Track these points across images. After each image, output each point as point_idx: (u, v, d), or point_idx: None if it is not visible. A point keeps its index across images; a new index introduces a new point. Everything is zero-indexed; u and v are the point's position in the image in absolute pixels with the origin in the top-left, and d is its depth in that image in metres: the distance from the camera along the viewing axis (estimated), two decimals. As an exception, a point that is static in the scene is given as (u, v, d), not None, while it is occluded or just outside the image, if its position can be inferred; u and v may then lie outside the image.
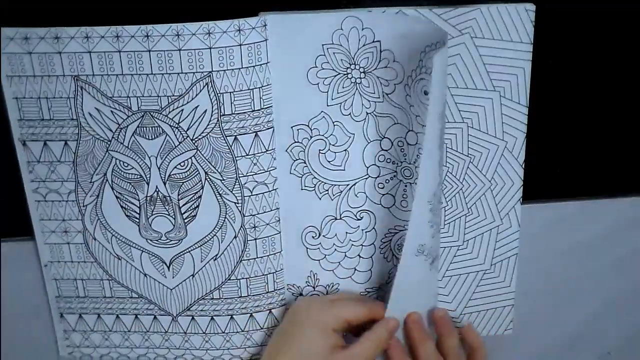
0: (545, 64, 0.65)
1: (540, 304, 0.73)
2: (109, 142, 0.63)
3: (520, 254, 0.69)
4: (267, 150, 0.63)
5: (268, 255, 0.66)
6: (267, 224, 0.65)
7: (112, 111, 0.62)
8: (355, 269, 0.68)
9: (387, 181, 0.65)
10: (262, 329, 0.68)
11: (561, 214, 0.70)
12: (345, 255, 0.67)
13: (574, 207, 0.70)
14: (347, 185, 0.65)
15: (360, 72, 0.62)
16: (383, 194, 0.66)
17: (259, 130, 0.62)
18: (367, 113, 0.63)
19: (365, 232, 0.67)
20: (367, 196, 0.66)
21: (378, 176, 0.65)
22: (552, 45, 0.64)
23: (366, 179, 0.65)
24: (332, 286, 0.68)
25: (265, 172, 0.64)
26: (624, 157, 0.69)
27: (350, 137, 0.64)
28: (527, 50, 0.62)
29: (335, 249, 0.67)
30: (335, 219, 0.66)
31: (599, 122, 0.68)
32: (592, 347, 0.75)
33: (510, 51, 0.62)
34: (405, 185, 0.65)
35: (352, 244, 0.67)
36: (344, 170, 0.65)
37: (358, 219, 0.66)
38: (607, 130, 0.68)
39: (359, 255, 0.67)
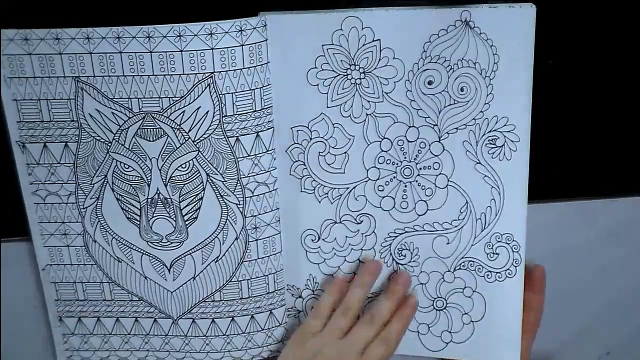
0: (546, 64, 0.65)
1: (541, 304, 0.73)
2: (109, 144, 0.62)
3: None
4: (267, 151, 0.63)
5: (269, 256, 0.66)
6: (268, 225, 0.65)
7: (112, 112, 0.61)
8: (355, 274, 0.68)
9: (387, 183, 0.65)
10: (263, 330, 0.68)
11: (561, 214, 0.70)
12: (345, 260, 0.67)
13: (574, 207, 0.70)
14: (347, 188, 0.65)
15: (360, 73, 0.62)
16: (383, 197, 0.65)
17: (260, 131, 0.62)
18: (367, 114, 0.63)
19: (365, 235, 0.66)
20: (367, 199, 0.65)
21: (378, 178, 0.65)
22: (552, 45, 0.65)
23: (366, 181, 0.65)
24: None
25: (266, 172, 0.64)
26: (623, 157, 0.70)
27: (350, 139, 0.64)
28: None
29: (335, 253, 0.67)
30: (335, 222, 0.66)
31: (599, 123, 0.68)
32: (592, 347, 0.75)
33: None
34: (405, 186, 0.65)
35: (352, 248, 0.67)
36: (343, 173, 0.65)
37: (358, 223, 0.66)
38: (607, 130, 0.68)
39: (358, 259, 0.67)
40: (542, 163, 0.68)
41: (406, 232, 0.66)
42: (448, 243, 0.66)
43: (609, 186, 0.70)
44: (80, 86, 0.61)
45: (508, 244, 0.66)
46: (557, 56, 0.65)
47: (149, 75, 0.60)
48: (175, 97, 0.60)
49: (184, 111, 0.61)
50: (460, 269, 0.67)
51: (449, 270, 0.67)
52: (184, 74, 0.60)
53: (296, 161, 0.64)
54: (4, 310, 0.69)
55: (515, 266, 0.66)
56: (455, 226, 0.66)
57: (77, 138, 0.62)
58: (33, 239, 0.66)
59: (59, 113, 0.62)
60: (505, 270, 0.66)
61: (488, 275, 0.67)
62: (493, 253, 0.66)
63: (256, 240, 0.65)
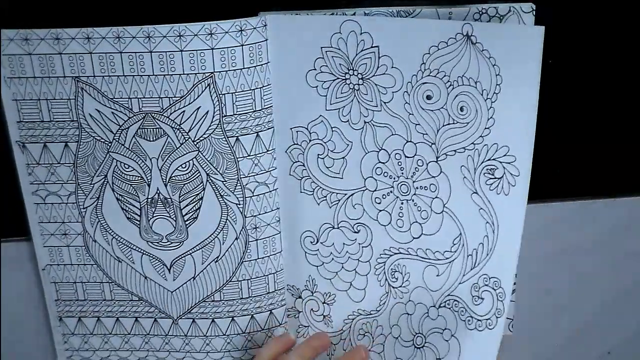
0: (545, 64, 0.65)
1: (540, 304, 0.73)
2: (109, 144, 0.62)
3: (521, 254, 0.69)
4: (267, 151, 0.63)
5: (269, 256, 0.66)
6: (268, 225, 0.65)
7: (113, 112, 0.61)
8: (351, 284, 0.67)
9: (383, 196, 0.64)
10: (263, 329, 0.68)
11: (561, 214, 0.70)
12: (343, 267, 0.67)
13: (574, 207, 0.70)
14: (345, 194, 0.65)
15: (359, 79, 0.62)
16: (380, 210, 0.65)
17: (260, 131, 0.62)
18: (365, 122, 0.63)
19: (362, 246, 0.66)
20: (364, 209, 0.65)
21: (375, 190, 0.64)
22: (552, 45, 0.64)
23: (363, 190, 0.65)
24: (329, 296, 0.68)
25: (266, 172, 0.64)
26: (623, 157, 0.70)
27: (348, 145, 0.63)
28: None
29: (333, 258, 0.67)
30: (333, 227, 0.66)
31: (599, 122, 0.68)
32: (592, 347, 0.75)
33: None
34: (402, 203, 0.64)
35: (350, 257, 0.67)
36: (341, 178, 0.65)
37: (355, 232, 0.66)
38: (607, 130, 0.68)
39: (355, 270, 0.67)
40: (542, 163, 0.68)
41: (400, 252, 0.65)
42: (438, 275, 0.65)
43: (609, 186, 0.70)
44: (80, 86, 0.61)
45: (494, 289, 0.63)
46: (557, 56, 0.65)
47: (149, 75, 0.60)
48: (175, 97, 0.60)
49: (184, 111, 0.61)
50: (444, 306, 0.65)
51: (434, 306, 0.65)
52: (184, 74, 0.60)
53: (296, 162, 0.64)
54: (4, 310, 0.69)
55: (497, 317, 0.63)
56: (447, 258, 0.64)
57: (77, 138, 0.62)
58: (33, 239, 0.66)
59: (59, 113, 0.62)
60: (486, 319, 0.64)
61: (469, 321, 0.64)
62: (478, 297, 0.64)
63: (256, 240, 0.65)
